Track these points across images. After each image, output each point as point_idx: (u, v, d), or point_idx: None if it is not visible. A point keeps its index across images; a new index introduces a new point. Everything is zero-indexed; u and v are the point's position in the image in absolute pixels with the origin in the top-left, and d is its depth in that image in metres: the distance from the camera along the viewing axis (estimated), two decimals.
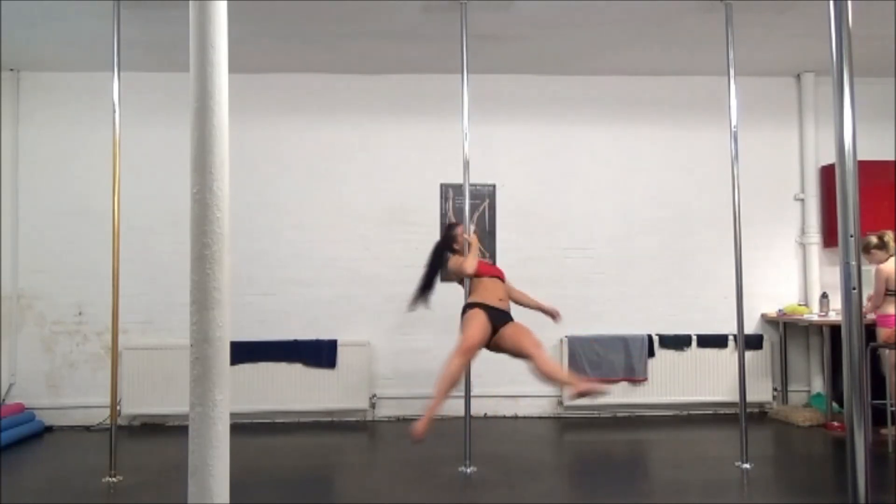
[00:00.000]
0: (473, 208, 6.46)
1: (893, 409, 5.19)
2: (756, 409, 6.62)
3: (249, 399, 6.31)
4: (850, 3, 2.09)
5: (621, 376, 6.59)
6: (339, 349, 6.50)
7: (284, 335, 6.52)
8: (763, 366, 6.68)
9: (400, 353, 6.64)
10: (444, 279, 5.15)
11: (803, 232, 6.91)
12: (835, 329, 6.06)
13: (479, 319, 4.67)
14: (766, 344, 6.70)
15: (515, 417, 6.63)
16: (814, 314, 6.45)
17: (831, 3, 2.10)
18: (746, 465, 4.83)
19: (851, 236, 2.02)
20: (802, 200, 6.93)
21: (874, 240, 5.52)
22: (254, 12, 5.23)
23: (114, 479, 4.68)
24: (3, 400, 6.24)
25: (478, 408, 6.30)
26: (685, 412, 6.67)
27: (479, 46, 5.57)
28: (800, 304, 6.71)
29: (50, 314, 6.48)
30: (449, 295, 6.37)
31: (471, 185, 5.13)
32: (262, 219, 6.62)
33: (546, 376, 4.65)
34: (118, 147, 4.86)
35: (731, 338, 6.59)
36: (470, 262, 4.88)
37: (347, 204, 6.71)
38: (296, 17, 5.41)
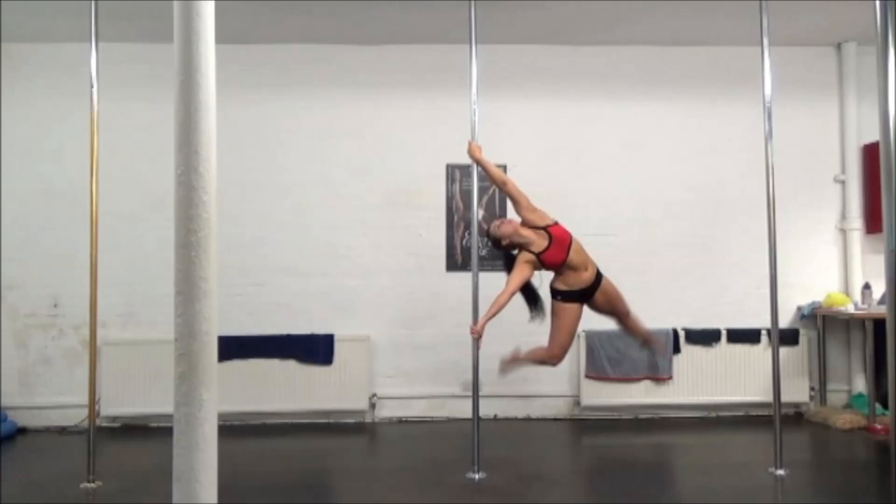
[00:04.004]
0: (482, 191, 6.44)
1: None
2: (791, 411, 6.62)
3: (238, 398, 6.33)
4: None
5: (644, 375, 6.59)
6: (337, 344, 6.51)
7: (277, 329, 6.54)
8: (799, 363, 6.67)
9: (402, 349, 6.66)
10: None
11: (844, 216, 6.89)
12: (878, 323, 6.05)
13: None
14: (802, 339, 6.69)
15: (528, 419, 6.65)
16: (859, 306, 6.42)
17: None
18: (781, 472, 4.84)
19: None
20: (843, 182, 6.90)
21: None
22: None
23: (92, 484, 4.71)
24: None
25: (487, 409, 6.32)
26: (714, 414, 6.68)
27: (488, 13, 5.54)
28: (839, 294, 6.69)
29: (23, 306, 6.51)
30: (456, 286, 6.40)
31: None
32: (252, 202, 6.63)
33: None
34: (96, 124, 4.87)
35: (764, 332, 6.58)
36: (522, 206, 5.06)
37: (345, 186, 6.71)
38: None
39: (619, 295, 5.16)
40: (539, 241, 4.88)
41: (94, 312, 4.84)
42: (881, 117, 2.15)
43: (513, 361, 5.27)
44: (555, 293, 4.99)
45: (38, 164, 6.53)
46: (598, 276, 5.03)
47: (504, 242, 4.95)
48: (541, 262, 4.88)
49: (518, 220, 5.04)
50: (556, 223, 4.98)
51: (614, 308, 5.19)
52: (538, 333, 6.33)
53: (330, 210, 6.70)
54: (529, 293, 5.05)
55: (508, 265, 5.00)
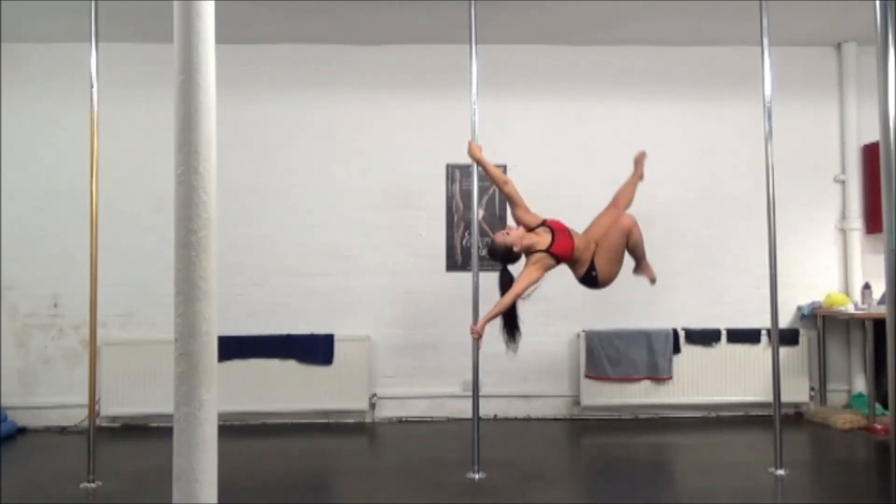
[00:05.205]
0: (482, 191, 6.43)
1: None
2: (791, 411, 6.62)
3: (239, 398, 6.33)
4: None
5: (644, 375, 6.59)
6: (337, 344, 6.51)
7: (277, 329, 6.54)
8: (799, 363, 6.66)
9: (402, 349, 6.66)
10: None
11: (844, 216, 6.89)
12: (878, 323, 6.05)
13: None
14: (802, 339, 6.68)
15: (528, 419, 6.65)
16: (859, 306, 6.42)
17: None
18: (780, 472, 4.84)
19: None
20: (843, 182, 6.90)
21: None
22: None
23: (92, 484, 4.71)
24: None
25: (487, 409, 6.32)
26: (714, 414, 6.68)
27: (488, 13, 5.54)
28: (839, 294, 6.69)
29: (23, 305, 6.51)
30: (456, 286, 6.40)
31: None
32: (252, 202, 6.63)
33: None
34: (96, 124, 4.87)
35: (764, 332, 6.58)
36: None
37: (345, 186, 6.71)
38: None
39: (600, 226, 5.10)
40: (543, 238, 4.87)
41: (94, 312, 4.85)
42: (881, 117, 2.15)
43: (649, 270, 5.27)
44: (588, 273, 4.96)
45: (38, 164, 6.53)
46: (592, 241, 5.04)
47: (517, 249, 4.85)
48: (554, 257, 4.84)
49: (514, 223, 5.06)
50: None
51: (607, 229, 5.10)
52: (540, 333, 6.36)
53: (330, 210, 6.69)
54: (511, 319, 4.95)
55: (504, 283, 4.92)
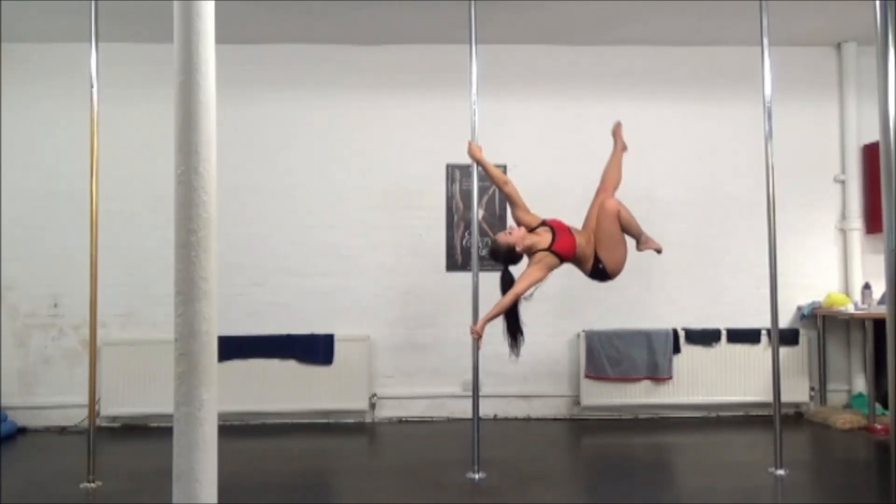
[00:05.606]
0: (482, 191, 6.43)
1: None
2: (791, 411, 6.62)
3: (239, 398, 6.33)
4: None
5: (644, 375, 6.59)
6: (337, 344, 6.51)
7: (277, 329, 6.54)
8: (799, 363, 6.67)
9: (402, 349, 6.66)
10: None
11: (844, 217, 6.89)
12: (878, 323, 6.05)
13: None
14: (802, 339, 6.68)
15: (528, 419, 6.65)
16: (859, 306, 6.42)
17: None
18: (780, 472, 4.84)
19: None
20: (843, 182, 6.90)
21: None
22: None
23: (92, 484, 4.71)
24: None
25: (487, 409, 6.32)
26: (714, 414, 6.68)
27: (488, 13, 5.54)
28: (839, 294, 6.69)
29: (23, 306, 6.51)
30: (456, 286, 6.40)
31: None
32: (252, 202, 6.63)
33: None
34: (96, 124, 4.87)
35: (764, 332, 6.58)
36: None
37: (345, 186, 6.71)
38: None
39: (593, 216, 5.04)
40: (543, 238, 4.85)
41: (94, 312, 4.85)
42: (881, 117, 2.15)
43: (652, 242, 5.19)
44: (596, 267, 4.93)
45: (38, 164, 6.53)
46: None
47: (519, 248, 4.82)
48: (557, 256, 4.81)
49: (513, 224, 5.05)
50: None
51: (598, 219, 5.04)
52: (540, 333, 6.36)
53: (330, 210, 6.69)
54: (513, 322, 4.93)
55: (505, 284, 4.88)
